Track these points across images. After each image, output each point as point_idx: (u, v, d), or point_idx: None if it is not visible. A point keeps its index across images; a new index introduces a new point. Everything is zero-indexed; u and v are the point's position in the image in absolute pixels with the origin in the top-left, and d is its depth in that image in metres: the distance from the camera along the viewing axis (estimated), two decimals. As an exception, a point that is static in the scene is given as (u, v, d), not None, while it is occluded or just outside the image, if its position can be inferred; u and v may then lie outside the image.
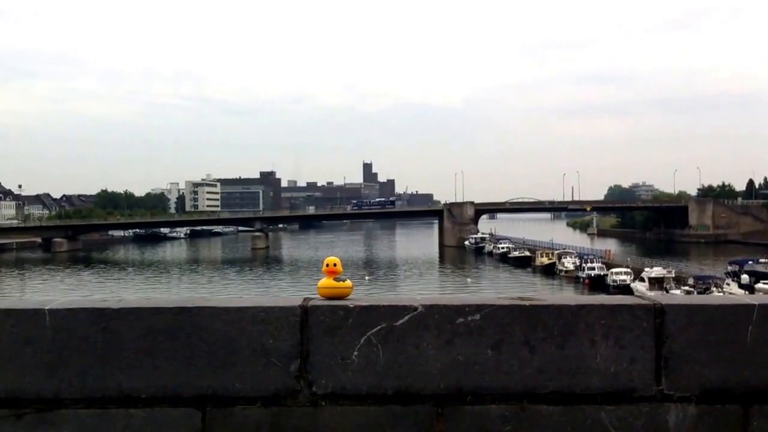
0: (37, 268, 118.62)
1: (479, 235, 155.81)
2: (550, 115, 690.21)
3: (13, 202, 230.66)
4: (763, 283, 67.25)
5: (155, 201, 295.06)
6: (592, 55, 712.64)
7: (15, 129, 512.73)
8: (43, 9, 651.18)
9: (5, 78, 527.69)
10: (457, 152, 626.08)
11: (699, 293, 57.47)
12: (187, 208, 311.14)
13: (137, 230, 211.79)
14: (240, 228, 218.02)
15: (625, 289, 72.70)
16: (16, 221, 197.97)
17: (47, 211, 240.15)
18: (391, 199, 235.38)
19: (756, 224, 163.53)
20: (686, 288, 66.92)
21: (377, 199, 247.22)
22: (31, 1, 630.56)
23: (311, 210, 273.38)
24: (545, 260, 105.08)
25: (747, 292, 54.14)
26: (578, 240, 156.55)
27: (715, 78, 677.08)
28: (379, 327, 3.75)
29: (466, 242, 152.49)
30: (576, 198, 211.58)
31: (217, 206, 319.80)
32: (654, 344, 3.74)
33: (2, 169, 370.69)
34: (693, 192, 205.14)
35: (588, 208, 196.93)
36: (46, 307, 3.80)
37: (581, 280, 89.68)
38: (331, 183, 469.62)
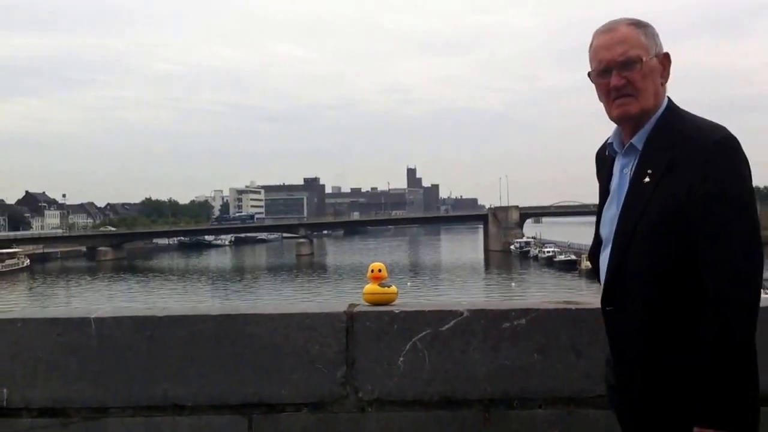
0: (82, 277, 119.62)
1: (524, 239, 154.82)
2: (592, 118, 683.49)
3: (58, 212, 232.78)
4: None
5: (199, 209, 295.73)
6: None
7: (59, 139, 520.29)
8: (82, 17, 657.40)
9: (48, 89, 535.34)
10: (502, 156, 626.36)
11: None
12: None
13: (181, 238, 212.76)
14: (284, 235, 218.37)
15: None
16: (60, 230, 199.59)
17: (91, 220, 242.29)
18: (251, 214, 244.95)
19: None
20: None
21: (237, 214, 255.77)
22: (73, 10, 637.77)
23: (356, 216, 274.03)
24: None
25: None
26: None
27: (754, 80, 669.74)
28: (424, 332, 3.73)
29: (512, 246, 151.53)
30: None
31: (262, 213, 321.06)
32: None
33: (47, 179, 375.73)
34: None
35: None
36: (92, 316, 3.82)
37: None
38: (375, 188, 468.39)
